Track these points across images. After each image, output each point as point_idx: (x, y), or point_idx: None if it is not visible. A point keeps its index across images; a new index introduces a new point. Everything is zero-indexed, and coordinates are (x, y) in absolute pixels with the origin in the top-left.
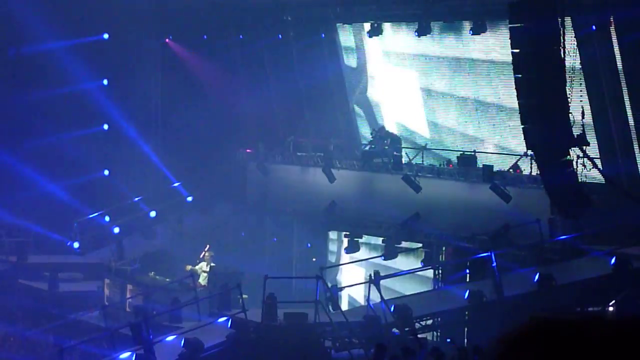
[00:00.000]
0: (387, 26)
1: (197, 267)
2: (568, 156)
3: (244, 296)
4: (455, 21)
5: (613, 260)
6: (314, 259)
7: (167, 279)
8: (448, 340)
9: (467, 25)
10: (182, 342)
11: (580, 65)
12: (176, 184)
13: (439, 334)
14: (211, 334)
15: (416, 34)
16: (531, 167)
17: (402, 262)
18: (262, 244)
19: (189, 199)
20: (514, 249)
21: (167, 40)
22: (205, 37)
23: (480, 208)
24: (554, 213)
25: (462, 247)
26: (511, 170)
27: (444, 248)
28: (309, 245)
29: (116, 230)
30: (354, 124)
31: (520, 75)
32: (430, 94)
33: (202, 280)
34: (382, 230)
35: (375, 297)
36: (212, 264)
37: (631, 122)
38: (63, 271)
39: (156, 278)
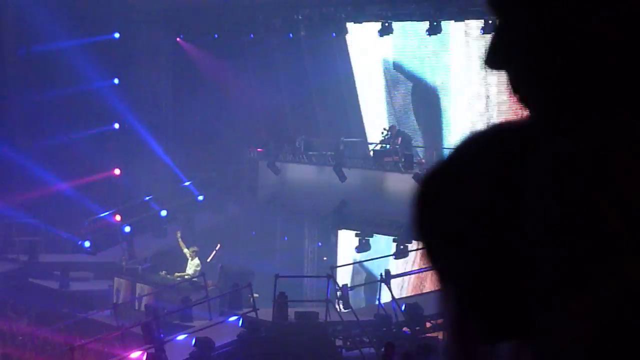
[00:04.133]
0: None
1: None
2: None
3: (255, 295)
4: (466, 20)
5: None
6: (324, 258)
7: (178, 278)
8: None
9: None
10: (193, 341)
11: None
12: (187, 183)
13: None
14: (222, 333)
15: (427, 33)
16: None
17: None
18: (273, 243)
19: (200, 198)
20: None
21: (178, 39)
22: (216, 36)
23: None
24: None
25: None
26: None
27: None
28: (320, 244)
29: (127, 229)
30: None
31: None
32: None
33: (190, 269)
34: (393, 229)
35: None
36: (197, 266)
37: None
38: (74, 270)
39: (167, 277)
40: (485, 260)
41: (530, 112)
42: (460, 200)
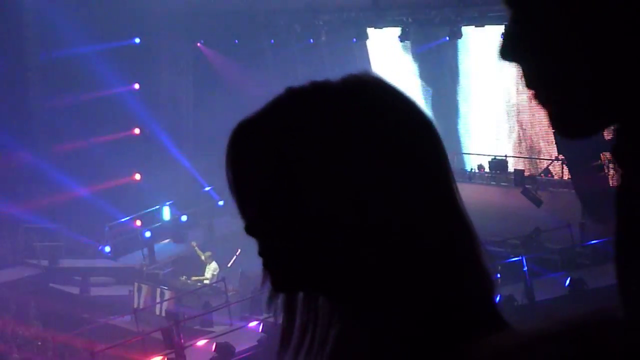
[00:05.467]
0: None
1: (207, 267)
2: (599, 161)
3: None
4: (486, 25)
5: None
6: None
7: (199, 283)
8: None
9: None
10: (214, 346)
11: None
12: (207, 188)
13: None
14: (242, 338)
15: (447, 38)
16: (562, 172)
17: None
18: None
19: (220, 203)
20: (545, 253)
21: (198, 44)
22: (236, 41)
23: (512, 212)
24: (585, 217)
25: (493, 251)
26: (542, 174)
27: None
28: None
29: (147, 234)
30: None
31: None
32: None
33: (208, 273)
34: None
35: None
36: (214, 270)
37: None
38: (94, 275)
39: (187, 282)
40: (269, 216)
41: (546, 111)
42: (253, 153)
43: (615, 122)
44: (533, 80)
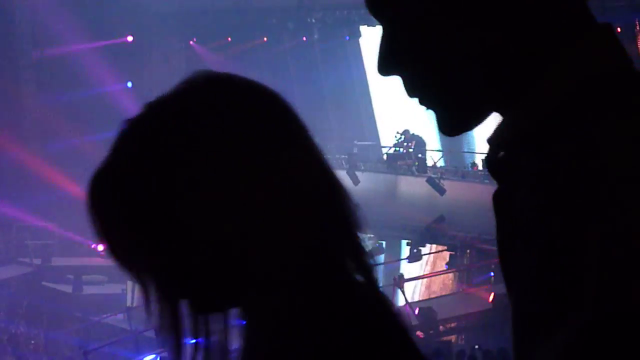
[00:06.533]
0: None
1: None
2: None
3: None
4: None
5: None
6: None
7: None
8: (476, 346)
9: None
10: None
11: None
12: None
13: (463, 337)
14: (236, 337)
15: None
16: None
17: None
18: None
19: None
20: None
21: (191, 42)
22: (229, 39)
23: None
24: None
25: (488, 249)
26: None
27: (468, 250)
28: None
29: None
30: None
31: None
32: None
33: None
34: (406, 232)
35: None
36: None
37: None
38: (87, 273)
39: None
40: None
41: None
42: (111, 197)
43: (494, 111)
44: (412, 89)
